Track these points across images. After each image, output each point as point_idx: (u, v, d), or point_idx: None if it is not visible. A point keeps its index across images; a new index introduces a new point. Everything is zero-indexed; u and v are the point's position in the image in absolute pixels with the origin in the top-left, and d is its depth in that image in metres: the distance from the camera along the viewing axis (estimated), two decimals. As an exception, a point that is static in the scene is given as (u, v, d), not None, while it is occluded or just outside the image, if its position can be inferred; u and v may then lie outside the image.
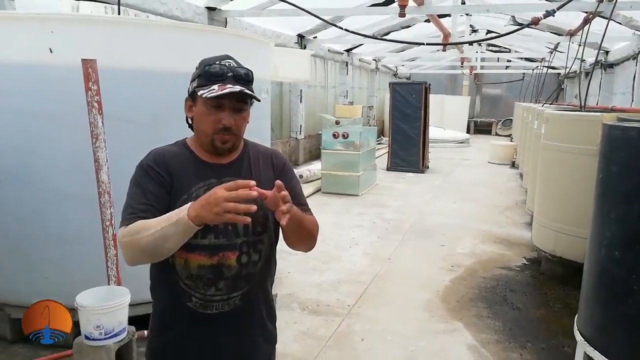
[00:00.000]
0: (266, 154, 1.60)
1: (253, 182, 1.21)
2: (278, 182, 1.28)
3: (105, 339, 2.47)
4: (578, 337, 2.57)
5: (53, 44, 2.89)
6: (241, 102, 1.43)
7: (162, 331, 1.54)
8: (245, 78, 1.43)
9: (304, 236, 1.51)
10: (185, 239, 1.31)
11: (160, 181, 1.43)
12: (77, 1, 5.33)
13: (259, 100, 1.47)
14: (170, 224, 1.26)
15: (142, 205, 1.38)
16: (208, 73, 1.41)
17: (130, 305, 2.61)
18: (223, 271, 1.44)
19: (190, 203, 1.26)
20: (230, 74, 1.40)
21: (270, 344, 1.64)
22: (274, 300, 3.59)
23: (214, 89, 1.37)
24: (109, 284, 2.72)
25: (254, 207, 1.19)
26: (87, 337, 2.47)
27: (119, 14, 4.42)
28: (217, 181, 1.45)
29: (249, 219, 1.22)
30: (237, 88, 1.38)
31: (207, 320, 1.47)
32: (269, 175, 1.54)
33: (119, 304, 2.51)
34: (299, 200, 1.52)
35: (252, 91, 1.44)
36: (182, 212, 1.25)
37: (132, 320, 2.70)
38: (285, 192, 1.27)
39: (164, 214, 1.33)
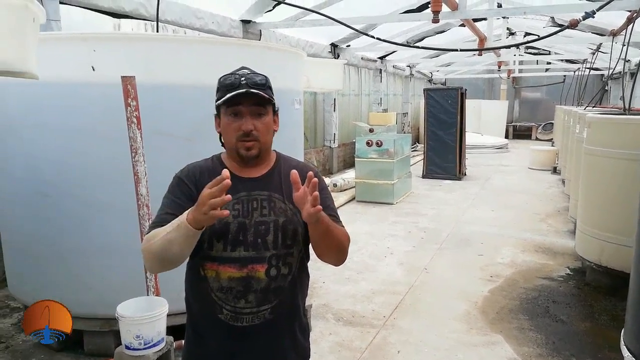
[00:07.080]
0: (298, 168, 1.58)
1: (227, 173, 1.24)
2: (314, 179, 1.30)
3: (144, 348, 2.54)
4: (625, 352, 2.45)
5: (95, 62, 3.01)
6: (260, 106, 1.47)
7: (195, 342, 1.57)
8: (260, 83, 1.46)
9: (333, 246, 1.48)
10: (190, 243, 1.35)
11: (189, 194, 1.48)
12: (118, 20, 5.55)
13: (272, 101, 1.50)
14: (174, 229, 1.32)
15: (167, 214, 1.45)
16: (223, 85, 1.47)
17: (168, 315, 2.67)
18: (252, 284, 1.46)
19: (190, 208, 1.30)
20: (244, 81, 1.45)
21: (303, 359, 1.62)
22: (309, 311, 3.63)
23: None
24: (147, 295, 2.79)
25: (228, 197, 1.23)
26: (127, 347, 2.55)
27: (157, 30, 4.56)
28: (247, 194, 1.49)
29: (226, 212, 1.28)
30: (244, 90, 1.42)
31: (238, 333, 1.48)
32: None
33: (157, 314, 2.58)
34: (330, 212, 1.50)
35: (271, 96, 1.48)
36: (183, 217, 1.31)
37: (170, 330, 2.76)
38: (317, 194, 1.29)
39: None
